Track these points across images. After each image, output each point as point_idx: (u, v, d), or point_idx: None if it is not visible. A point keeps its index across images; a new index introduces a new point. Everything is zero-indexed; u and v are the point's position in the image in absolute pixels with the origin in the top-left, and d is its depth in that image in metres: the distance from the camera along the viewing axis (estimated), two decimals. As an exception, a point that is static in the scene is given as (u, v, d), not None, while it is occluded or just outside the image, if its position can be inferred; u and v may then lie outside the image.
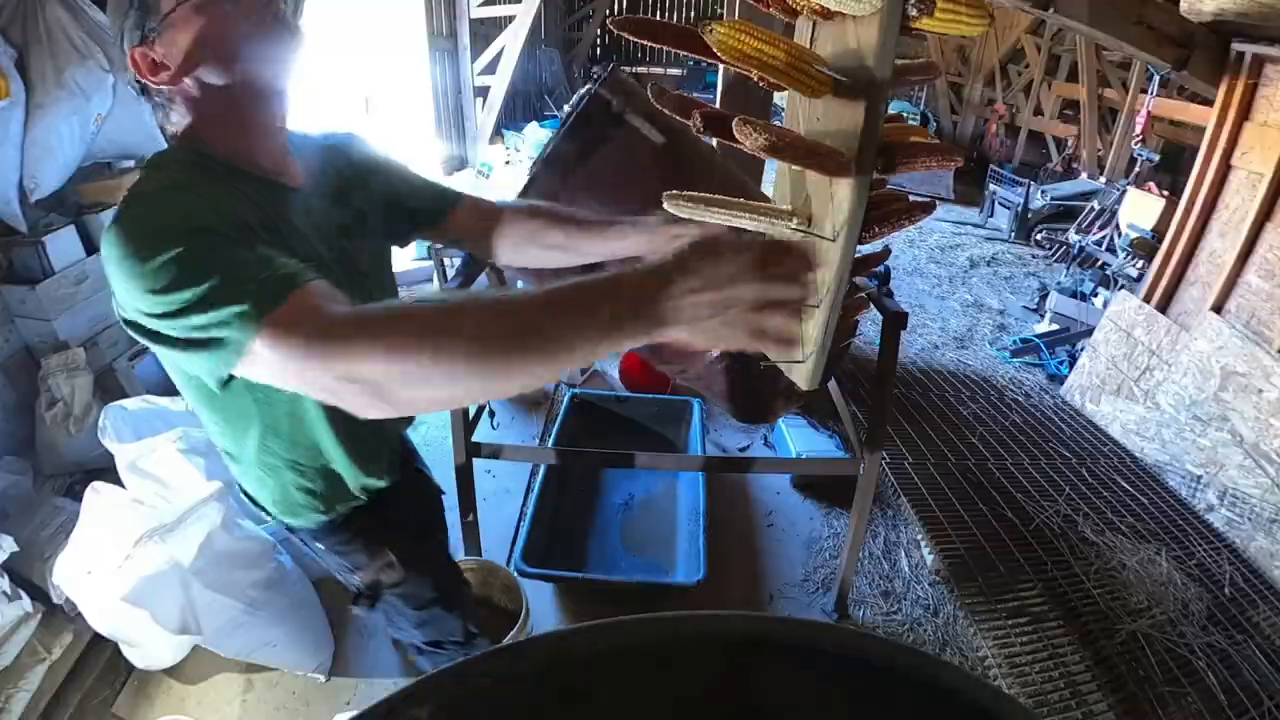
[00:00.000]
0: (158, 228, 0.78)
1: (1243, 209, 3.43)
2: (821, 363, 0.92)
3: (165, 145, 0.98)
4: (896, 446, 3.35)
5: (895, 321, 1.91)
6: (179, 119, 0.95)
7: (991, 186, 9.13)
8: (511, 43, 7.26)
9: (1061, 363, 4.56)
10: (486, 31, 8.03)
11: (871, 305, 1.68)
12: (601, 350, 0.66)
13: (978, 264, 7.21)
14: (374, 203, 1.15)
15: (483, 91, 7.63)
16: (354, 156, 1.17)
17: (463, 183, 6.05)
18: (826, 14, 0.80)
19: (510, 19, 7.44)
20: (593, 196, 1.37)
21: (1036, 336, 4.91)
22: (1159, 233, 4.78)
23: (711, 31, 0.77)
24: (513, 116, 9.87)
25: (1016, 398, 4.19)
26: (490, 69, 7.55)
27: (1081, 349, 4.35)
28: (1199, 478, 3.22)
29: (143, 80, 0.91)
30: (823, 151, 0.75)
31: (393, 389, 0.69)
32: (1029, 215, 7.95)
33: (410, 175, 1.24)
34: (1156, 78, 4.34)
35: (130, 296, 0.77)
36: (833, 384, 2.48)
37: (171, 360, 0.90)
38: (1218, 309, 3.46)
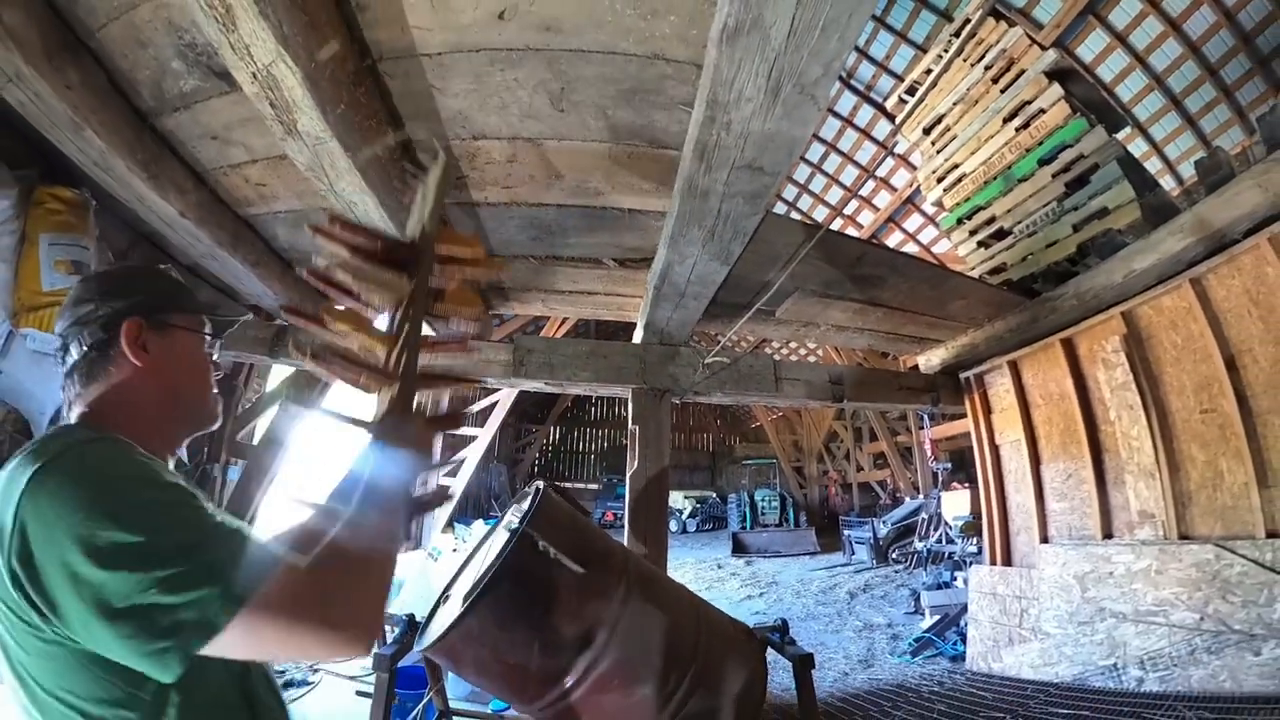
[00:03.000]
0: (119, 478, 0.74)
1: (1020, 467, 4.10)
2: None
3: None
4: None
5: (804, 664, 1.96)
6: (94, 393, 0.90)
7: (846, 532, 9.86)
8: (472, 455, 8.66)
9: (955, 643, 4.58)
10: (453, 441, 9.23)
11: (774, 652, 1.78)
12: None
13: (856, 594, 7.38)
14: None
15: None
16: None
17: (414, 561, 5.99)
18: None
19: (473, 438, 9.05)
20: (521, 616, 1.46)
21: (926, 632, 4.96)
22: (975, 513, 5.28)
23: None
24: (464, 512, 10.64)
25: (933, 689, 4.02)
26: (452, 473, 8.67)
27: (965, 624, 4.39)
28: (1114, 665, 3.17)
29: (124, 346, 0.91)
30: (365, 367, 0.91)
31: (360, 617, 0.76)
32: (880, 542, 8.53)
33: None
34: (925, 416, 5.37)
35: (71, 553, 0.67)
36: None
37: (72, 653, 0.72)
38: (1045, 539, 3.83)
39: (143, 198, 2.33)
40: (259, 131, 2.13)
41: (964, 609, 4.54)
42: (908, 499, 9.77)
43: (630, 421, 3.33)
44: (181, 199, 2.39)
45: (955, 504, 5.91)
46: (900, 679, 4.35)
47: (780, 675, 4.40)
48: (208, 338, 1.02)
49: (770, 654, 1.97)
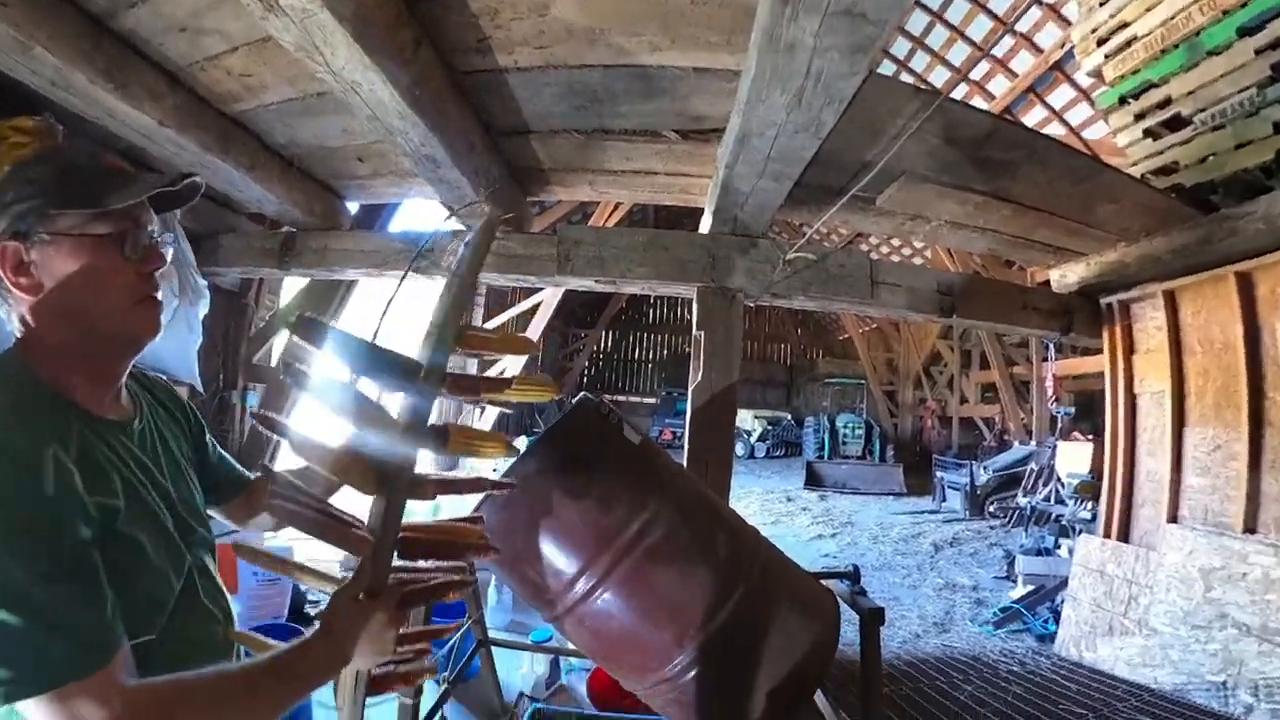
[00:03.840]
0: None
1: (1160, 425, 3.89)
2: (355, 709, 1.08)
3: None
4: None
5: (873, 618, 1.98)
6: (18, 329, 0.93)
7: (938, 474, 9.80)
8: (512, 366, 8.68)
9: (1046, 621, 4.58)
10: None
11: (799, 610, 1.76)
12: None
13: (941, 547, 7.45)
14: (194, 462, 1.20)
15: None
16: (188, 409, 1.24)
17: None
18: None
19: None
20: (568, 485, 1.58)
21: (1015, 602, 4.98)
22: (1096, 472, 5.13)
23: None
24: (504, 428, 11.28)
25: (1011, 668, 4.08)
26: (491, 387, 9.02)
27: (1062, 601, 4.38)
28: (1223, 684, 3.13)
29: (4, 281, 0.90)
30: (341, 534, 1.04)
31: None
32: (978, 491, 8.48)
33: (221, 450, 1.32)
34: (1051, 346, 5.10)
35: None
36: (819, 695, 2.37)
37: None
38: (1173, 518, 3.68)
39: (113, 111, 2.34)
40: (234, 14, 2.08)
41: (1063, 583, 4.51)
42: (1016, 444, 9.59)
43: (694, 326, 3.27)
44: (157, 106, 2.39)
45: (1072, 458, 5.76)
46: (977, 650, 4.44)
47: (845, 628, 4.60)
48: (110, 233, 0.93)
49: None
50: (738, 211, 3.03)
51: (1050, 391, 6.32)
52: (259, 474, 1.35)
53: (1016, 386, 11.11)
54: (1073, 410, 6.80)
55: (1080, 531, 5.15)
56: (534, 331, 9.17)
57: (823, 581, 2.00)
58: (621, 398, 21.49)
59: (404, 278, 1.85)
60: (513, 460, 1.65)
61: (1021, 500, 6.83)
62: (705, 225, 3.29)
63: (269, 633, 1.10)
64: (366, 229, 3.98)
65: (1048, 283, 4.24)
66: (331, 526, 1.04)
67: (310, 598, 3.91)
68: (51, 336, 0.91)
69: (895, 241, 12.90)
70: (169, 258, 1.02)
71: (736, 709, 1.62)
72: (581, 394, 1.79)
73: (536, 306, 9.20)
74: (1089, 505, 5.33)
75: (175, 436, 1.15)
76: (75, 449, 0.86)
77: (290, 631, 3.08)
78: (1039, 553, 5.54)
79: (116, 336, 0.97)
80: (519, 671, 3.50)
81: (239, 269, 3.89)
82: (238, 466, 1.35)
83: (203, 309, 3.40)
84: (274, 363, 4.77)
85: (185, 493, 1.09)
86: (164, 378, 1.23)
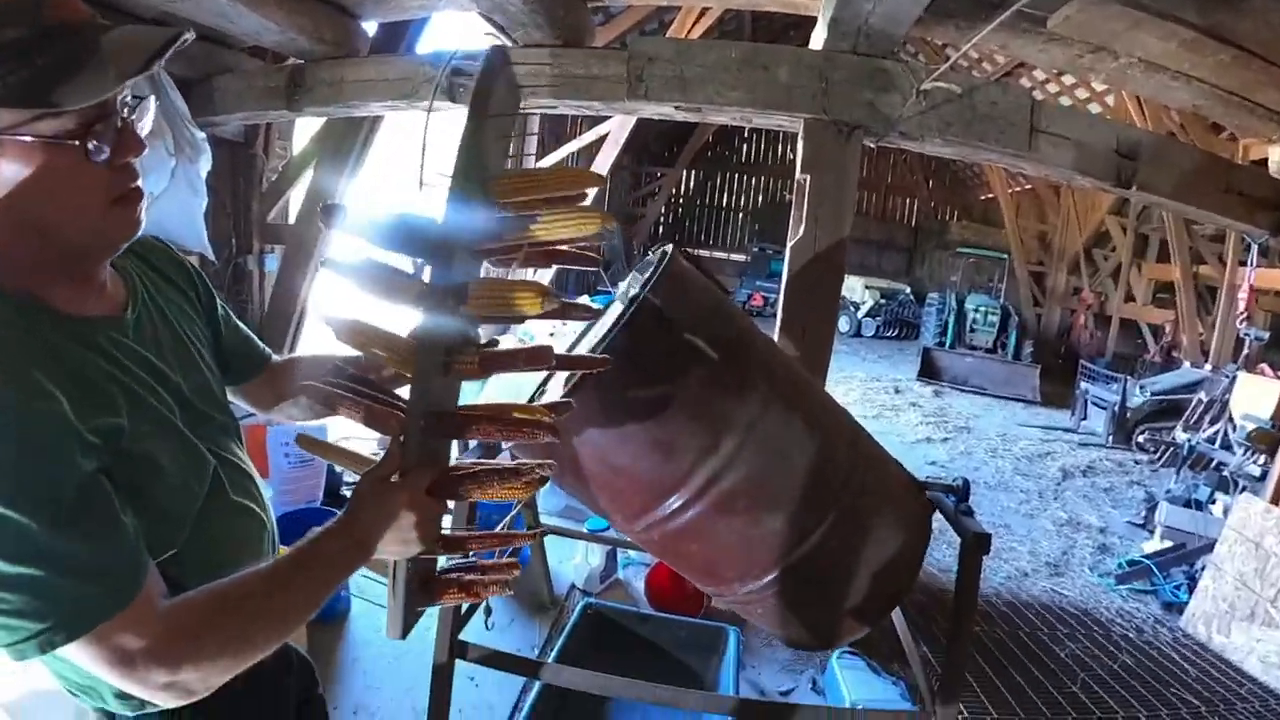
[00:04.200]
0: None
1: None
2: (399, 607, 1.19)
3: None
4: (977, 698, 3.34)
5: (976, 545, 1.95)
6: None
7: (1083, 385, 9.65)
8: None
9: (1179, 587, 4.64)
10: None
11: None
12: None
13: (1071, 474, 7.51)
14: (206, 339, 1.25)
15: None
16: (194, 276, 1.28)
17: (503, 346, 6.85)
18: None
19: None
20: (634, 406, 1.59)
21: (1146, 557, 5.03)
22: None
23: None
24: (564, 286, 11.38)
25: (1126, 633, 4.24)
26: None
27: (1202, 568, 4.44)
28: None
29: None
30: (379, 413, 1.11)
31: (210, 683, 0.93)
32: (1128, 415, 8.35)
33: (237, 321, 1.38)
34: (1255, 247, 4.86)
35: None
36: (898, 617, 2.47)
37: None
38: None
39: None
40: None
41: (1208, 546, 4.52)
42: (1187, 364, 9.24)
43: (799, 169, 3.19)
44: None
45: (1254, 396, 5.57)
46: (1091, 605, 4.60)
47: (942, 550, 4.80)
48: (64, 134, 0.87)
49: (937, 520, 2.05)
50: (862, 22, 2.91)
51: (1242, 306, 6.05)
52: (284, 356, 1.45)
53: (1200, 292, 10.56)
54: (1266, 335, 6.46)
55: (1243, 489, 5.09)
56: (599, 170, 8.86)
57: (925, 494, 2.06)
58: (705, 252, 21.48)
59: (431, 104, 1.75)
60: (586, 326, 1.73)
61: (1180, 436, 6.67)
62: (818, 40, 3.18)
63: (303, 518, 1.29)
64: (389, 53, 3.90)
65: (1264, 162, 3.88)
66: (369, 406, 1.12)
67: (347, 479, 4.31)
68: (11, 249, 0.90)
69: (1067, 79, 11.88)
70: (148, 129, 1.01)
71: (815, 618, 1.85)
72: (662, 248, 1.76)
73: (602, 140, 9.01)
74: (1261, 459, 5.21)
75: (181, 314, 1.18)
76: (59, 367, 0.87)
77: (325, 516, 3.48)
78: (1187, 504, 5.50)
79: (90, 245, 0.97)
80: (571, 562, 3.77)
81: (241, 115, 3.92)
82: (257, 341, 1.42)
83: (204, 166, 3.53)
84: (293, 220, 4.88)
85: (199, 379, 1.14)
86: (161, 242, 1.25)
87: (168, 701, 0.91)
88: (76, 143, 0.88)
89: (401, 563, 1.15)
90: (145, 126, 0.99)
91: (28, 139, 0.84)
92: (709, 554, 1.77)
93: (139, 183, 0.98)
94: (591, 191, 1.20)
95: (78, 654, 0.85)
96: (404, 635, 1.20)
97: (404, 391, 1.15)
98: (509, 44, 3.39)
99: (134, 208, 0.97)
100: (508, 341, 1.48)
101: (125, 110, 0.94)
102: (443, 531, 1.15)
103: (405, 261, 1.13)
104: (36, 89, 0.83)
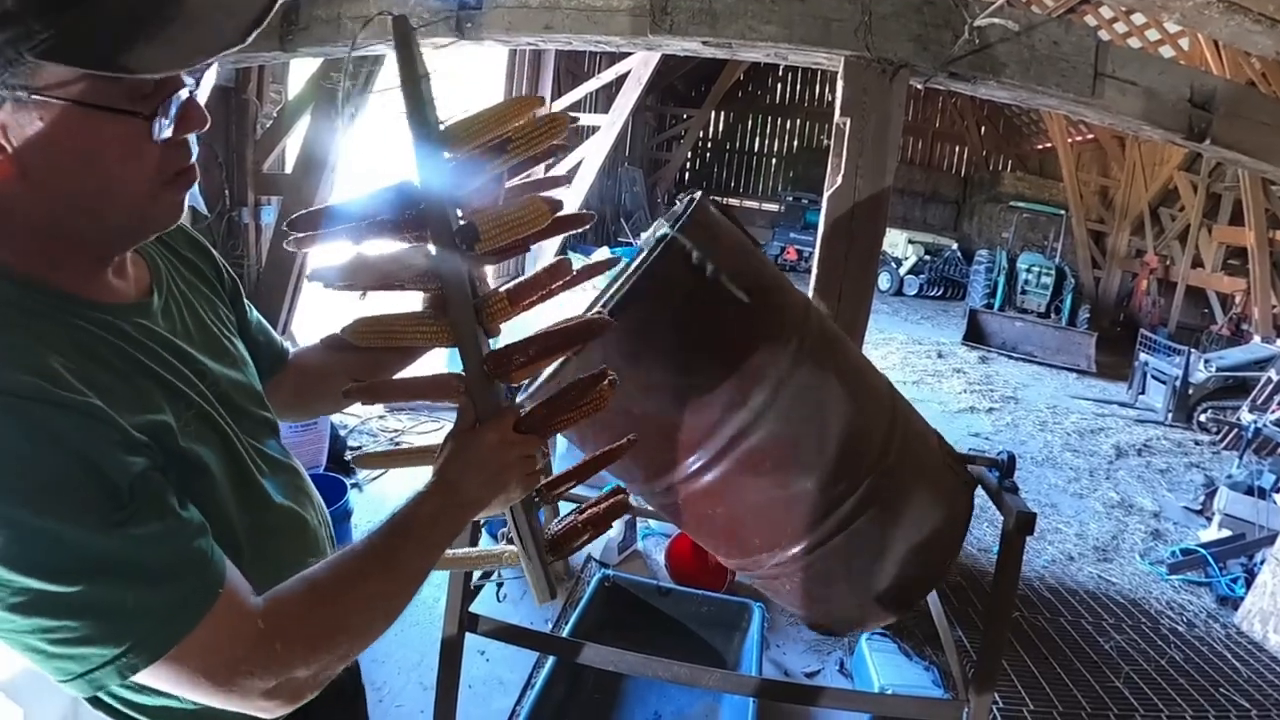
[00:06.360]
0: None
1: None
2: (538, 570, 1.23)
3: None
4: (1013, 687, 3.39)
5: (1020, 525, 1.95)
6: None
7: (1143, 356, 9.58)
8: (593, 155, 8.56)
9: (1235, 580, 4.65)
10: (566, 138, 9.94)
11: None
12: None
13: (1126, 453, 7.52)
14: (232, 326, 1.21)
15: (552, 203, 9.20)
16: (217, 262, 1.25)
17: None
18: None
19: (594, 129, 8.87)
20: (660, 353, 1.63)
21: (1202, 546, 5.04)
22: (1357, 407, 4.98)
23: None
24: (582, 238, 11.33)
25: (1176, 627, 4.27)
26: (566, 179, 8.85)
27: (1262, 562, 4.47)
28: None
29: None
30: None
31: (321, 680, 0.92)
32: (1190, 391, 8.31)
33: (257, 313, 1.36)
34: None
35: None
36: (933, 599, 2.51)
37: None
38: None
39: None
40: None
41: (1270, 539, 4.55)
42: (1257, 339, 9.14)
43: (838, 111, 3.18)
44: None
45: (1329, 375, 5.55)
46: (1140, 594, 4.64)
47: (982, 528, 4.89)
48: (133, 109, 0.80)
49: (979, 497, 2.05)
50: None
51: (1323, 276, 5.97)
52: (327, 338, 1.38)
53: (1276, 260, 10.39)
54: (1346, 311, 6.41)
55: (1312, 477, 5.09)
56: (619, 112, 8.87)
57: (967, 469, 2.07)
58: (734, 201, 21.31)
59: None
60: (610, 279, 1.76)
61: (1245, 416, 6.65)
62: (861, -31, 3.11)
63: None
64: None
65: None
66: (420, 381, 1.15)
67: (351, 444, 4.38)
68: (29, 216, 0.83)
69: (1137, 19, 11.60)
70: (205, 97, 1.01)
71: (844, 598, 1.89)
72: (691, 194, 1.78)
73: (623, 78, 8.91)
74: (1333, 448, 5.21)
75: (206, 300, 1.15)
76: (92, 358, 0.82)
77: (330, 481, 3.57)
78: (1249, 491, 5.48)
79: (129, 228, 0.91)
80: (589, 531, 3.90)
81: (231, 57, 3.96)
82: (276, 336, 1.39)
83: None
84: (289, 169, 4.88)
85: (232, 371, 1.09)
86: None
87: (272, 711, 0.87)
88: (141, 115, 0.80)
89: (523, 524, 1.20)
90: (203, 95, 0.94)
91: (85, 105, 0.75)
92: (734, 518, 1.79)
93: (193, 160, 0.93)
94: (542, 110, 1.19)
95: (163, 676, 0.79)
96: (553, 596, 1.25)
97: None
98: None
99: (183, 191, 0.92)
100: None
101: (194, 87, 0.87)
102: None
103: (389, 245, 1.14)
104: (103, 46, 0.72)
